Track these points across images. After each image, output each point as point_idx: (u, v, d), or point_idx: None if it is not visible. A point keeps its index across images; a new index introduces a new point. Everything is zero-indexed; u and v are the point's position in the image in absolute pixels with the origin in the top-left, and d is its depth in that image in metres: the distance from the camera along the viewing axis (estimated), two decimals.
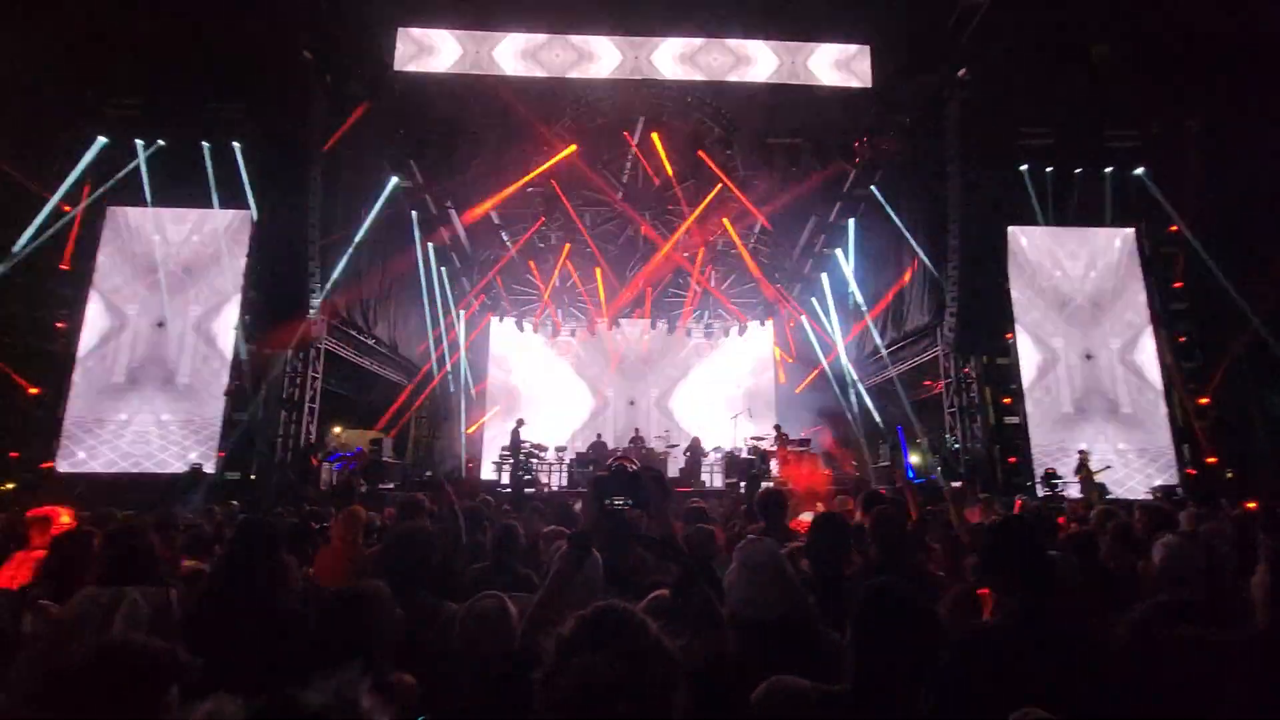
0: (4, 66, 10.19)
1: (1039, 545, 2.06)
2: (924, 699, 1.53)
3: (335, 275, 12.46)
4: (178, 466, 11.35)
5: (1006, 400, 12.71)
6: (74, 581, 2.76)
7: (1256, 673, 1.75)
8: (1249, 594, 1.93)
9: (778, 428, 14.87)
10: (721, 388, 19.35)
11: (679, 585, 1.86)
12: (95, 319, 12.02)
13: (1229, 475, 11.77)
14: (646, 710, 1.02)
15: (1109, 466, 11.64)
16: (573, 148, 14.17)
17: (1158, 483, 12.06)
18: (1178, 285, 13.14)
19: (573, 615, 1.14)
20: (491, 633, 1.91)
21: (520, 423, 14.73)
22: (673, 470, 15.31)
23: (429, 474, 14.41)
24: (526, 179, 14.77)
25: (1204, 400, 12.40)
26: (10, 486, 10.53)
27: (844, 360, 17.16)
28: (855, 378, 16.73)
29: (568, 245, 17.23)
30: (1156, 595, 2.35)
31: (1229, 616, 2.03)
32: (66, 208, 11.95)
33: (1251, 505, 6.07)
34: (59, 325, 11.82)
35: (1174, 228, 12.93)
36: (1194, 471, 12.00)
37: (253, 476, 11.39)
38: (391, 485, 12.61)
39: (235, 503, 8.46)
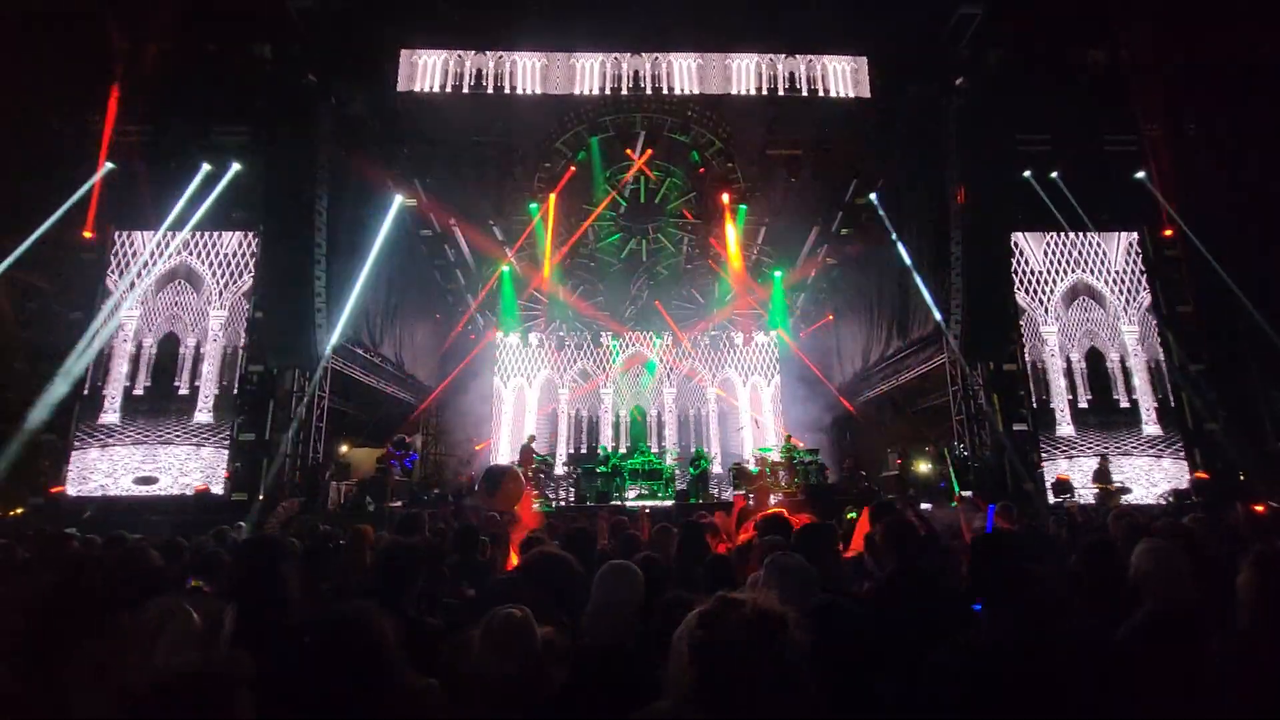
0: (10, 96, 10.40)
1: (1021, 559, 2.14)
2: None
3: (341, 294, 12.55)
4: (186, 489, 11.43)
5: (1021, 407, 12.60)
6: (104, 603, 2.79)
7: (1240, 672, 1.76)
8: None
9: (789, 437, 14.85)
10: (727, 399, 19.34)
11: None
12: (103, 343, 12.14)
13: (1241, 477, 11.65)
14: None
15: (1127, 489, 11.56)
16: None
17: (1169, 487, 11.96)
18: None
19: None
20: (511, 645, 1.90)
21: (531, 439, 14.79)
22: (680, 483, 15.26)
23: (436, 491, 14.40)
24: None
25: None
26: (19, 511, 10.59)
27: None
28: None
29: (571, 259, 17.32)
30: (1145, 603, 2.33)
31: (1217, 622, 2.03)
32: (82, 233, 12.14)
33: (1259, 508, 5.99)
34: (67, 349, 11.92)
35: (1169, 231, 12.93)
36: (1206, 475, 11.85)
37: (261, 497, 11.41)
38: (399, 503, 12.60)
39: (242, 524, 8.46)
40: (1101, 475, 11.34)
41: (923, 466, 14.42)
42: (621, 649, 2.08)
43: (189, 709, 1.28)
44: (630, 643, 2.12)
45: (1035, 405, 12.71)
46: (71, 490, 11.31)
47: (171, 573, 3.81)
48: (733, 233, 16.12)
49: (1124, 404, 12.80)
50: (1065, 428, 12.65)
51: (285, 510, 10.27)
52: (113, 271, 12.52)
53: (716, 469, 16.94)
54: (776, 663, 1.23)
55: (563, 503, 14.18)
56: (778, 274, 18.08)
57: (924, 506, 11.29)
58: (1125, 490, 11.46)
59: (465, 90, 12.80)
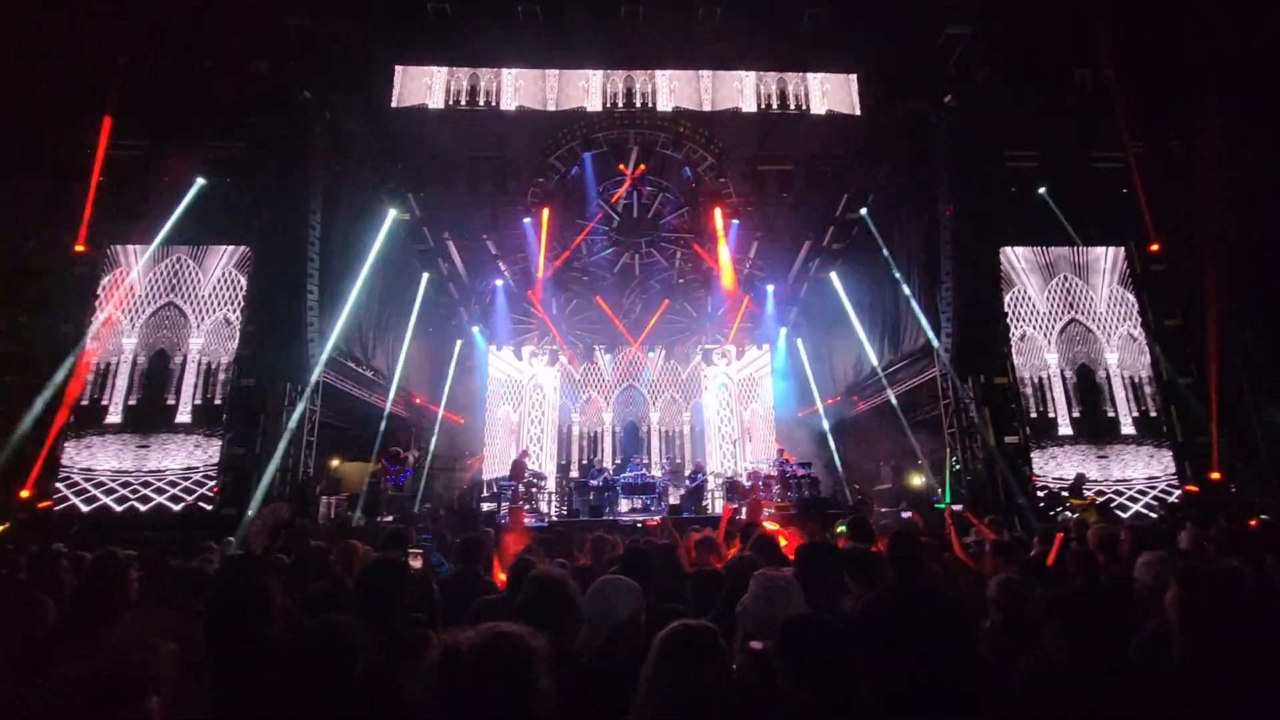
0: (7, 107, 10.42)
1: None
2: None
3: (333, 308, 12.53)
4: (175, 505, 11.32)
5: (1012, 420, 12.62)
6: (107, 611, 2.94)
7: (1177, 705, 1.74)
8: None
9: (781, 451, 14.86)
10: (720, 412, 19.34)
11: None
12: (94, 356, 12.06)
13: (1233, 489, 11.70)
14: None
15: (1105, 506, 11.59)
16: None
17: (1160, 501, 12.00)
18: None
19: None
20: (505, 665, 1.87)
21: (524, 453, 14.74)
22: (674, 497, 15.21)
23: (428, 505, 14.32)
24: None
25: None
26: (6, 526, 10.45)
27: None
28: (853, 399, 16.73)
29: (564, 274, 17.37)
30: (1149, 616, 2.34)
31: None
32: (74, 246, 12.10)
33: (1252, 523, 6.02)
34: (57, 363, 11.83)
35: (1155, 245, 13.08)
36: (1196, 488, 11.91)
37: (250, 512, 11.30)
38: (390, 518, 12.50)
39: (231, 539, 8.37)
40: (1076, 491, 11.40)
41: (916, 479, 14.46)
42: (630, 664, 2.06)
43: (89, 709, 1.35)
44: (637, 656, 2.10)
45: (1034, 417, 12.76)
46: (58, 505, 11.17)
47: (158, 590, 3.79)
48: (725, 247, 16.21)
49: (1124, 425, 12.81)
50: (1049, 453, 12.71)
51: (272, 513, 10.07)
52: (104, 285, 12.47)
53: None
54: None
55: (554, 517, 14.11)
56: (770, 288, 18.18)
57: (906, 514, 11.31)
58: (1100, 504, 11.47)
59: (459, 105, 12.91)
